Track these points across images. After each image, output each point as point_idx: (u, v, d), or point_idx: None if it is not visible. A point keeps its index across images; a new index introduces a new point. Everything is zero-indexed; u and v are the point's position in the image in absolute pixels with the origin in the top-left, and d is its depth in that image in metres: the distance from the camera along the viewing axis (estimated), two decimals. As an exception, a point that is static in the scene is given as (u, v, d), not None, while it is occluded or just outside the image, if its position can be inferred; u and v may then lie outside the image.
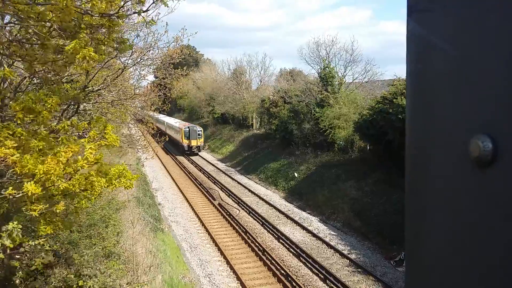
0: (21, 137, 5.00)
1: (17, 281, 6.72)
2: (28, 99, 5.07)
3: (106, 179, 5.68)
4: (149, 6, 5.46)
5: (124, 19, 5.88)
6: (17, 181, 5.51)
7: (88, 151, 5.32)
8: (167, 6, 5.67)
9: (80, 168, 5.33)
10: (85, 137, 5.94)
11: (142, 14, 5.52)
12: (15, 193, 4.91)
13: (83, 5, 5.14)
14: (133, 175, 6.27)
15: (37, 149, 4.97)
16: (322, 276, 16.58)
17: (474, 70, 0.64)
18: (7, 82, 6.47)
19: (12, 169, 4.98)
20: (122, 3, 5.32)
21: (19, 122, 5.23)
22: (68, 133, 5.79)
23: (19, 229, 5.71)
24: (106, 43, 5.37)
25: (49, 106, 5.24)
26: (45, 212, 5.45)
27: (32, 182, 4.75)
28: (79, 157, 5.39)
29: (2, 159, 4.78)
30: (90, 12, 5.07)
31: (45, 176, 4.82)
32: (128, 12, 5.99)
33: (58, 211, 5.40)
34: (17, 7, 4.64)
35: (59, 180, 5.01)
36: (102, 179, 5.61)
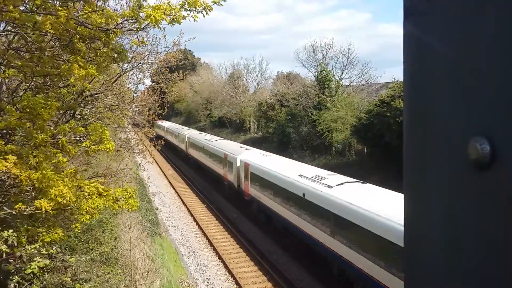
0: (17, 152, 5.07)
1: (12, 285, 6.67)
2: (28, 99, 5.10)
3: (110, 199, 6.07)
4: (145, 25, 5.45)
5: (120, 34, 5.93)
6: (27, 196, 5.62)
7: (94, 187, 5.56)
8: (160, 29, 5.50)
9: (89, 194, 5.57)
10: (82, 141, 5.99)
11: (135, 34, 5.63)
12: (25, 207, 4.96)
13: (80, 17, 5.15)
14: (136, 200, 6.55)
15: (34, 162, 5.02)
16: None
17: (471, 72, 0.64)
18: (4, 87, 6.46)
19: (18, 181, 5.01)
20: (120, 20, 5.34)
21: (16, 125, 5.25)
22: (67, 136, 5.85)
23: (14, 237, 5.72)
24: (104, 53, 5.39)
25: (48, 108, 5.28)
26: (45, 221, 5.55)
27: (44, 199, 4.85)
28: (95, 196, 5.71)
29: (4, 172, 4.81)
30: (85, 24, 5.08)
31: (57, 199, 4.93)
32: (126, 28, 6.02)
33: (59, 233, 5.60)
34: (13, 15, 4.63)
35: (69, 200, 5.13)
36: (100, 200, 5.92)
